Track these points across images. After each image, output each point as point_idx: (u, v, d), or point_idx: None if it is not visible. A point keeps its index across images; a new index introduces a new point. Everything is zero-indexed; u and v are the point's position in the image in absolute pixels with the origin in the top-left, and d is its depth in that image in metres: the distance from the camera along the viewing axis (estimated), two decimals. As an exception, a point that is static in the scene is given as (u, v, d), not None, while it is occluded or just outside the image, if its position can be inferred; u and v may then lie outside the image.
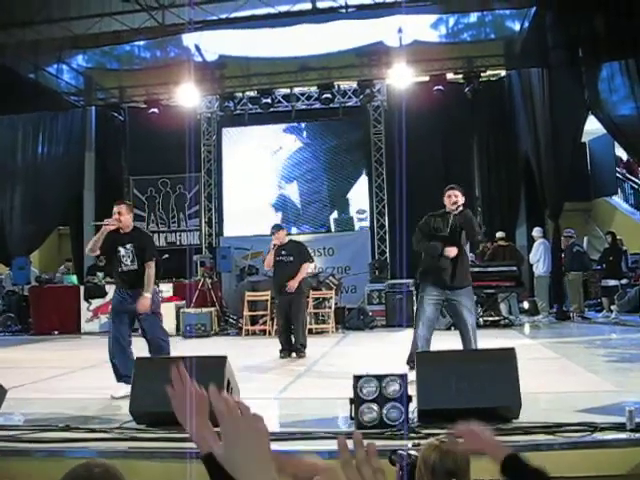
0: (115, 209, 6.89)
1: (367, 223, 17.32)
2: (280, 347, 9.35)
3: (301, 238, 16.62)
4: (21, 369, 6.03)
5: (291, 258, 9.35)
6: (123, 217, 6.85)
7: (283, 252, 9.38)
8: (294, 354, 9.31)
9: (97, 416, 5.57)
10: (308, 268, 10.07)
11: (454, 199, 6.98)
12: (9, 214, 16.72)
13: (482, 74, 15.69)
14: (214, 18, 12.58)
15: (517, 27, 14.41)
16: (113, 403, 5.99)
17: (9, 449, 4.75)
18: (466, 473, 2.62)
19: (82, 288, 14.50)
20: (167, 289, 14.06)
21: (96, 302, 14.27)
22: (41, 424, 5.26)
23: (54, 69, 16.09)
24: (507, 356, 4.89)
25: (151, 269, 6.80)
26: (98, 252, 6.96)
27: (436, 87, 15.20)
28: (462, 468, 2.60)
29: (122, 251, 6.82)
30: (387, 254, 16.75)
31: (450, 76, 15.67)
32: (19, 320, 15.18)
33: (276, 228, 9.71)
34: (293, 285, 9.18)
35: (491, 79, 16.66)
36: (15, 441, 4.86)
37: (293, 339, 9.38)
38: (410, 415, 4.68)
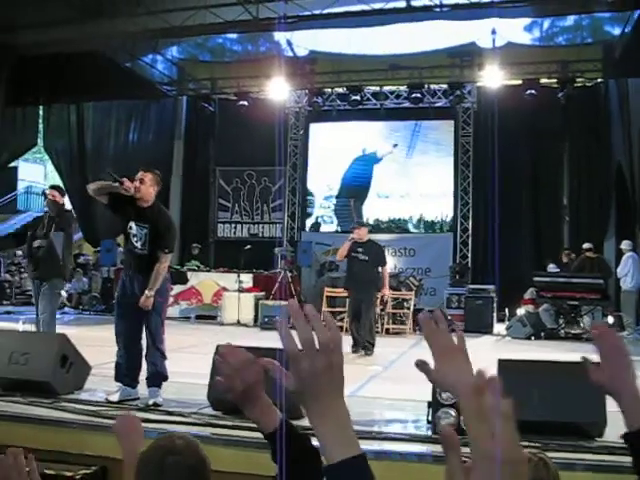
0: (139, 174, 5.75)
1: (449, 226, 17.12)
2: (352, 342, 9.37)
3: (382, 237, 16.61)
4: (105, 347, 6.19)
5: (366, 257, 9.31)
6: (144, 186, 5.74)
7: (360, 249, 9.33)
8: (362, 351, 9.29)
9: (174, 399, 5.65)
10: (386, 271, 10.01)
11: None
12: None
13: (577, 79, 15.26)
14: (307, 13, 12.61)
15: (617, 32, 13.88)
16: (191, 388, 6.06)
17: (91, 423, 4.90)
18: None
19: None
20: (247, 280, 14.28)
21: (177, 288, 14.57)
22: (121, 402, 5.45)
23: (149, 59, 16.55)
24: (594, 371, 4.71)
25: (163, 263, 5.76)
26: (104, 201, 5.78)
27: (528, 91, 14.90)
28: None
29: (134, 228, 5.77)
30: (469, 258, 16.50)
31: (543, 80, 15.30)
32: (103, 300, 15.66)
33: (358, 224, 9.75)
34: (387, 293, 9.71)
35: (586, 85, 16.14)
36: (97, 416, 5.01)
37: (362, 337, 9.34)
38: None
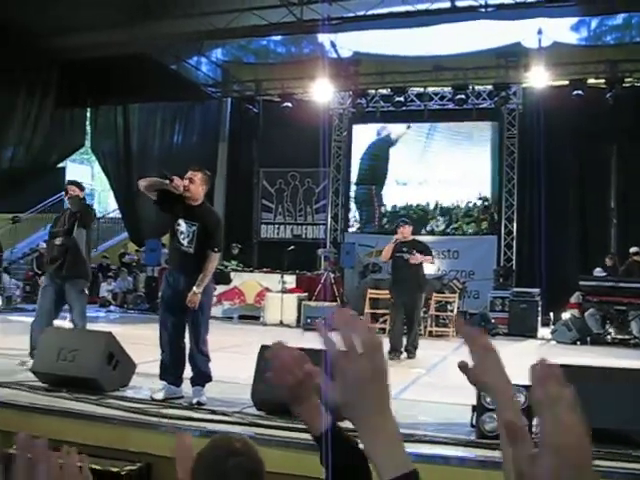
0: (189, 174, 5.76)
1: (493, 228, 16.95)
2: (389, 348, 8.78)
3: (426, 239, 16.51)
4: (149, 346, 6.26)
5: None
6: (193, 185, 5.74)
7: (404, 249, 9.03)
8: (403, 355, 9.06)
9: (218, 398, 5.70)
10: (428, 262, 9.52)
11: None
12: (146, 197, 17.43)
13: (625, 79, 14.98)
14: (351, 15, 12.60)
15: (668, 30, 13.66)
16: (234, 387, 6.10)
17: (136, 420, 4.97)
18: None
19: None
20: (290, 281, 14.32)
21: (220, 288, 14.68)
22: (165, 400, 5.51)
23: (194, 61, 16.73)
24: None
25: (212, 262, 5.77)
26: (153, 197, 5.82)
27: (575, 91, 14.66)
28: None
29: (182, 226, 5.75)
30: (513, 261, 16.30)
31: (590, 81, 15.05)
32: (147, 299, 15.86)
33: (402, 223, 9.42)
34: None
35: (635, 84, 15.82)
36: (142, 414, 5.08)
37: (404, 340, 9.12)
38: (533, 429, 4.52)
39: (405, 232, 9.16)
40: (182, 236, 5.75)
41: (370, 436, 1.06)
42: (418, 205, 17.59)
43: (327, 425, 1.60)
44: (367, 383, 1.06)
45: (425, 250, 9.26)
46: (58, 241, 7.24)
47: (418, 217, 17.30)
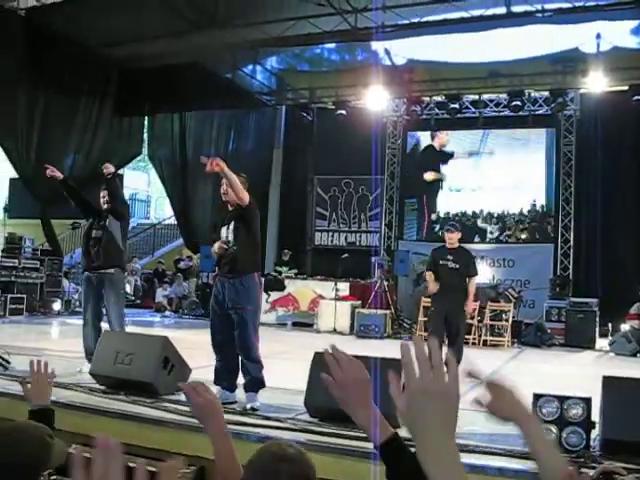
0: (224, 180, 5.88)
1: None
2: None
3: (479, 247, 16.35)
4: (204, 351, 6.33)
5: (457, 266, 8.27)
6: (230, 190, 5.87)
7: (450, 257, 8.31)
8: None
9: (272, 404, 5.73)
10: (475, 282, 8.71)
11: None
12: (201, 205, 17.70)
13: (689, 84, 14.60)
14: (406, 22, 12.57)
15: None
16: (287, 394, 6.13)
17: (191, 424, 5.02)
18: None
19: (263, 280, 15.07)
20: (344, 288, 14.32)
21: (274, 295, 14.78)
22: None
23: (249, 70, 16.91)
24: None
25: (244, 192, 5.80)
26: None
27: (635, 97, 14.34)
28: None
29: (223, 233, 5.92)
30: (570, 270, 16.00)
31: (652, 85, 14.71)
32: (202, 305, 16.05)
33: (451, 228, 8.75)
34: (471, 308, 8.34)
35: (698, 89, 15.43)
36: (195, 417, 5.12)
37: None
38: (591, 443, 4.43)
39: (453, 238, 8.49)
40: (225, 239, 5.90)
41: (428, 451, 1.06)
42: (472, 212, 17.44)
43: (389, 434, 1.59)
44: (435, 399, 1.06)
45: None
46: (94, 233, 7.33)
47: (471, 224, 17.16)
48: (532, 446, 1.52)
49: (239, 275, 5.78)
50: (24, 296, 14.02)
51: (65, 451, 2.46)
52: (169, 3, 12.22)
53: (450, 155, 17.48)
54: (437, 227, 17.23)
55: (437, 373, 1.08)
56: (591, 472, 3.89)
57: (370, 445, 1.63)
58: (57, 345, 9.60)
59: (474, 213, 17.44)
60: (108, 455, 1.09)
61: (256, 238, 6.05)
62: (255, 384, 5.73)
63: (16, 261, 14.44)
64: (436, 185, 17.61)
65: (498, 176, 17.08)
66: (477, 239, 16.93)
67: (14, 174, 16.40)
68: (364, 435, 1.51)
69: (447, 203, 17.67)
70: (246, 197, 5.80)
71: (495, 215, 17.25)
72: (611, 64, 13.95)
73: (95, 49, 13.91)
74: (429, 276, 8.46)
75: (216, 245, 5.86)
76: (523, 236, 16.96)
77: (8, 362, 6.71)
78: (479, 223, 17.34)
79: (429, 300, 12.71)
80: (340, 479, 4.18)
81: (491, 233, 17.21)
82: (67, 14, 12.72)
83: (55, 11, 12.80)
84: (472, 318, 12.46)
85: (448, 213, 17.47)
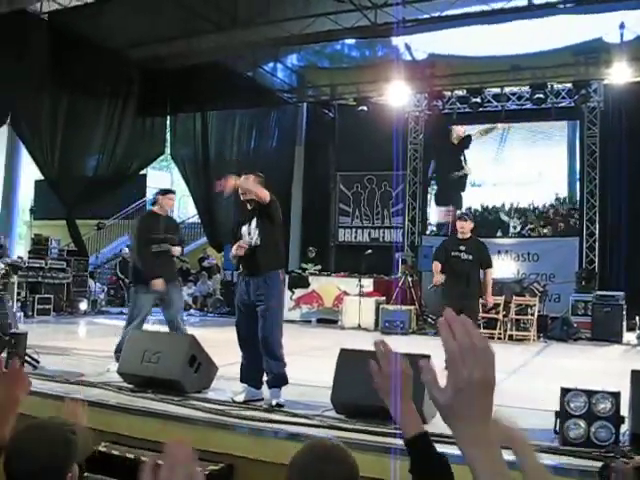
0: (242, 177, 5.93)
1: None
2: None
3: (504, 242, 16.27)
4: (229, 349, 6.36)
5: (470, 257, 7.93)
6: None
7: (462, 247, 7.95)
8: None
9: (299, 401, 5.75)
10: (492, 275, 8.36)
11: None
12: (224, 203, 17.77)
13: None
14: (426, 16, 12.52)
15: None
16: (314, 390, 6.14)
17: (218, 422, 5.06)
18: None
19: (287, 277, 15.11)
20: (368, 284, 14.32)
21: (299, 292, 14.82)
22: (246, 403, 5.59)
23: (270, 68, 16.95)
24: None
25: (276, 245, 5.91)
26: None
27: (660, 87, 14.18)
28: None
29: (245, 231, 5.94)
30: (595, 263, 15.85)
31: (677, 75, 14.51)
32: (227, 303, 16.12)
33: (463, 217, 8.49)
34: (491, 301, 8.00)
35: None
36: (224, 415, 5.17)
37: None
38: (620, 437, 4.39)
39: (464, 227, 8.08)
40: (245, 237, 5.91)
41: (471, 445, 1.05)
42: (493, 207, 17.35)
43: (419, 429, 1.60)
44: (476, 390, 1.05)
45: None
46: (156, 248, 7.28)
47: (493, 218, 17.07)
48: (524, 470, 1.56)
49: (263, 272, 5.78)
50: (51, 296, 14.19)
51: (90, 442, 2.47)
52: (189, 4, 12.28)
53: (469, 138, 17.43)
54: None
55: (480, 360, 1.07)
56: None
57: (395, 440, 1.64)
58: (85, 344, 9.70)
59: (495, 207, 17.36)
60: (178, 461, 1.11)
61: (279, 234, 6.06)
62: (278, 380, 5.74)
63: (43, 262, 14.60)
64: (462, 181, 17.54)
65: (520, 169, 16.98)
66: (499, 233, 16.84)
67: (39, 176, 16.59)
68: (389, 431, 1.52)
69: (468, 198, 17.59)
70: (266, 195, 5.80)
71: (517, 209, 17.16)
72: (635, 54, 13.79)
73: (117, 50, 14.01)
74: (435, 266, 8.15)
75: (234, 248, 5.84)
76: (546, 230, 16.84)
77: (37, 361, 6.80)
78: (501, 217, 17.25)
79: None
80: (366, 474, 4.18)
81: (514, 227, 17.10)
82: (88, 16, 12.83)
83: (77, 14, 12.92)
84: (497, 313, 12.42)
85: (470, 208, 17.39)
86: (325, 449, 1.98)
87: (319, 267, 16.04)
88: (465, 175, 17.49)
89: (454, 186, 17.60)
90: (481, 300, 8.52)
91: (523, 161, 16.98)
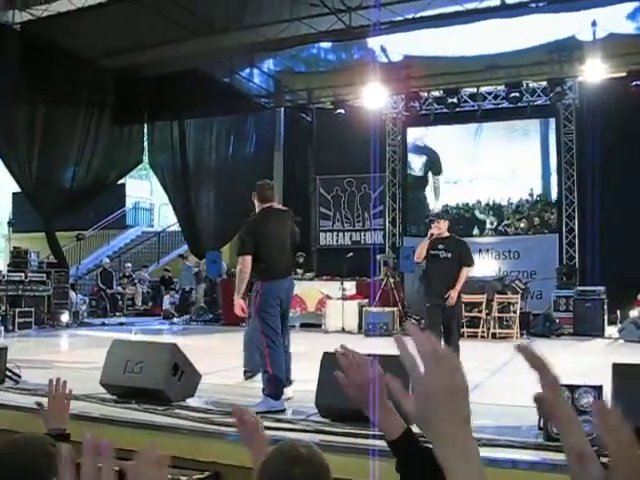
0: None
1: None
2: None
3: (485, 240, 16.36)
4: (213, 356, 6.35)
5: (449, 255, 7.75)
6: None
7: (440, 246, 7.81)
8: None
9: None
10: (468, 273, 8.13)
11: None
12: (204, 210, 17.75)
13: (688, 67, 14.54)
14: (400, 19, 12.58)
15: None
16: (298, 394, 6.14)
17: (203, 430, 5.03)
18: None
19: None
20: (350, 287, 14.32)
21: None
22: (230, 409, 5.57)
23: (246, 73, 16.93)
24: None
25: (238, 265, 6.27)
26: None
27: (634, 82, 14.31)
28: None
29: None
30: (576, 259, 15.97)
31: (650, 70, 14.66)
32: (210, 310, 16.07)
33: (436, 217, 8.44)
34: (454, 297, 7.62)
35: (697, 72, 15.35)
36: (207, 423, 5.14)
37: None
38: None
39: (441, 227, 7.93)
40: None
41: (445, 450, 1.05)
42: (469, 204, 17.44)
43: (401, 429, 1.60)
44: (444, 398, 1.05)
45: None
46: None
47: (469, 216, 17.19)
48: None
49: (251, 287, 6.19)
50: (32, 309, 14.02)
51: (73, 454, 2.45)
52: (164, 12, 12.23)
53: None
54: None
55: (443, 367, 1.06)
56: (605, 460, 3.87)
57: (381, 443, 1.63)
58: (67, 357, 9.62)
59: (471, 205, 17.45)
60: (98, 456, 1.09)
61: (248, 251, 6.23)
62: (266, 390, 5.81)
63: (22, 275, 14.46)
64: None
65: (495, 166, 17.11)
66: (476, 231, 16.94)
67: (17, 188, 16.45)
68: (375, 433, 1.52)
69: (445, 195, 17.67)
70: (242, 262, 6.14)
71: (493, 205, 17.26)
72: (608, 51, 13.90)
73: (92, 59, 13.95)
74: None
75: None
76: (522, 225, 16.95)
77: (19, 376, 6.73)
78: (477, 214, 17.35)
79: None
80: (352, 477, 4.18)
81: (491, 223, 17.21)
82: (62, 26, 12.74)
83: (50, 24, 12.81)
84: (480, 311, 12.48)
85: (446, 205, 17.47)
86: (294, 451, 1.97)
87: (311, 273, 15.98)
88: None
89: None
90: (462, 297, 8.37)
91: (498, 158, 17.10)
